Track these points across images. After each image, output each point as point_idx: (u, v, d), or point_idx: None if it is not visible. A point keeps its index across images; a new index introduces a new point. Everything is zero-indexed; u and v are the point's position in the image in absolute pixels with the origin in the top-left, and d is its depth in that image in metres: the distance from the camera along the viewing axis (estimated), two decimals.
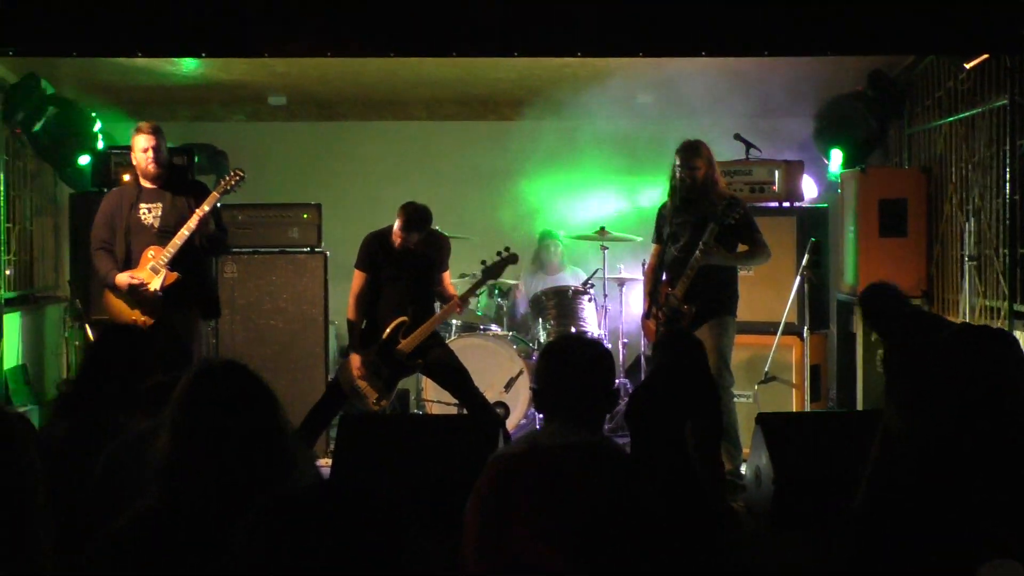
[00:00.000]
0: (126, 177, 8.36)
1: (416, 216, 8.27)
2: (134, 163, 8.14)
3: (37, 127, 9.93)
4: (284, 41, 7.96)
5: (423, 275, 8.45)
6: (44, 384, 10.37)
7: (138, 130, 8.08)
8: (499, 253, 8.70)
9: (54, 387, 10.25)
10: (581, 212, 11.16)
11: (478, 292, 10.14)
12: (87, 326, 8.76)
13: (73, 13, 7.43)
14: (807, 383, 9.11)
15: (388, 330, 8.35)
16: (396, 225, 8.27)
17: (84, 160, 10.09)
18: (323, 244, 9.91)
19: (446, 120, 12.13)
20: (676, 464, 4.64)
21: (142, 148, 8.05)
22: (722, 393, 7.83)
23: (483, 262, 8.77)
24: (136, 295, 7.92)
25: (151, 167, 8.05)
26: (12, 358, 9.76)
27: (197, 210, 7.93)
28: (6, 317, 9.47)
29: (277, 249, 9.84)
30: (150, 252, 7.96)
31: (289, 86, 11.26)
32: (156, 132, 8.09)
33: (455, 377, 8.44)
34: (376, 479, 6.66)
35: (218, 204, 8.13)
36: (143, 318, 7.93)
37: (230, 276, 9.68)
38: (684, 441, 5.08)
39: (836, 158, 10.44)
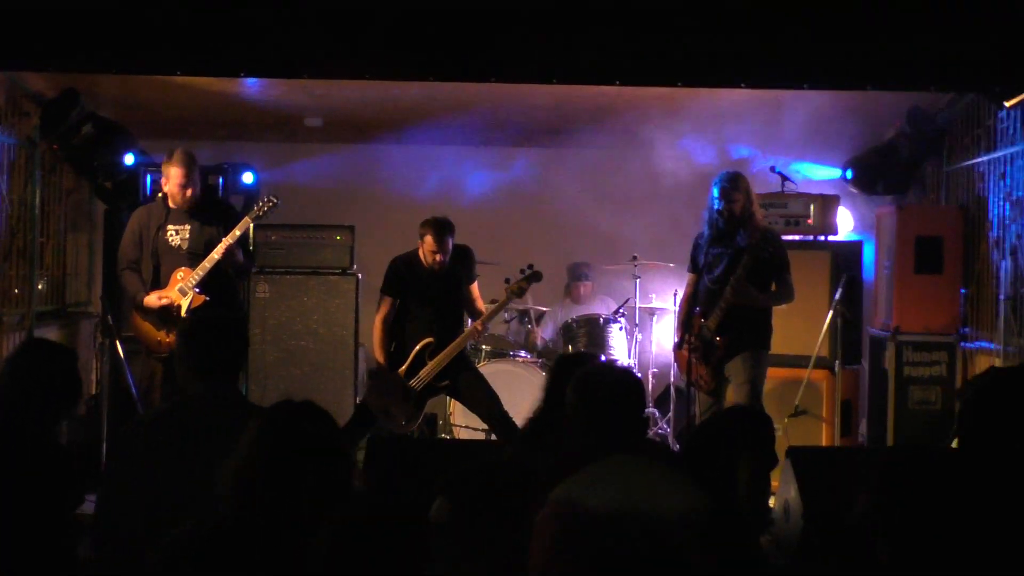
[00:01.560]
0: (160, 195, 8.37)
1: (444, 222, 8.30)
2: (165, 188, 8.14)
3: (74, 143, 9.96)
4: (323, 63, 7.97)
5: (451, 294, 8.44)
6: None
7: (172, 162, 8.06)
8: (522, 271, 8.70)
9: (84, 403, 10.29)
10: (615, 240, 11.12)
11: (505, 315, 10.14)
12: (117, 342, 8.76)
13: (114, 29, 7.45)
14: (837, 418, 9.05)
15: (414, 352, 8.34)
16: (428, 243, 8.25)
17: (128, 161, 10.05)
18: (355, 266, 9.92)
19: (482, 146, 12.13)
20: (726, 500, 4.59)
21: (178, 183, 8.03)
22: None
23: (507, 280, 8.76)
24: (165, 316, 7.93)
25: (186, 202, 8.07)
26: None
27: (227, 237, 7.94)
28: (38, 331, 9.49)
29: (309, 270, 9.85)
30: (179, 273, 7.97)
31: (326, 108, 11.27)
32: (189, 163, 8.06)
33: (485, 401, 8.42)
34: (403, 502, 6.64)
35: (249, 229, 8.15)
36: (170, 339, 7.93)
37: (262, 296, 9.70)
38: (736, 478, 5.01)
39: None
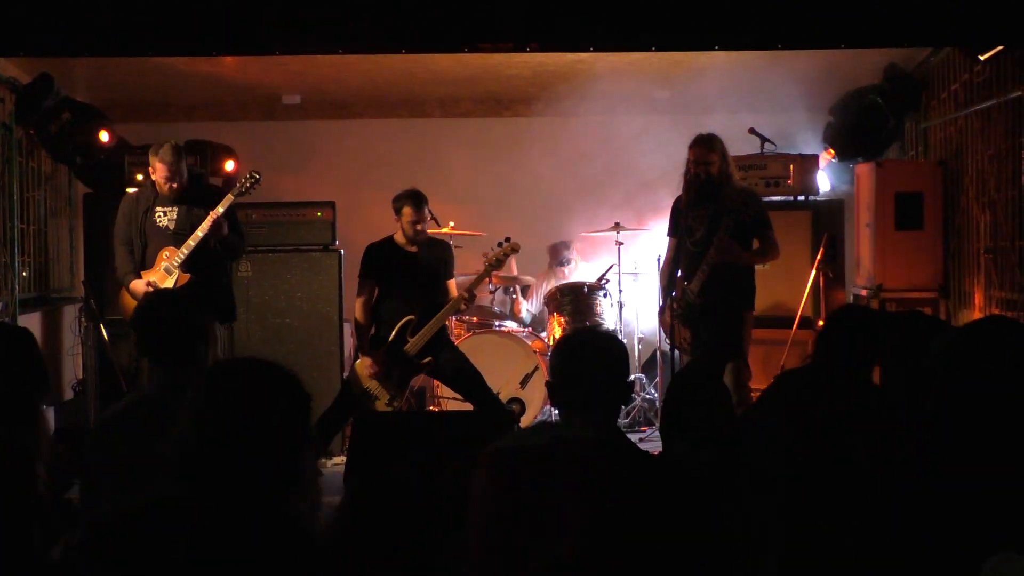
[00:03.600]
0: (139, 176, 8.34)
1: (418, 193, 8.35)
2: (152, 176, 8.13)
3: (52, 129, 9.92)
4: (296, 39, 7.94)
5: (429, 279, 8.43)
6: (61, 384, 10.37)
7: (158, 156, 8.04)
8: (500, 244, 8.70)
9: (70, 387, 10.30)
10: (596, 208, 11.12)
11: (490, 286, 10.15)
12: (101, 326, 8.76)
13: (84, 13, 7.41)
14: None
15: (395, 330, 8.34)
16: (408, 214, 8.26)
17: (105, 145, 10.00)
18: (337, 242, 9.91)
19: (461, 118, 12.13)
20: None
21: (162, 175, 8.02)
22: (740, 388, 7.85)
23: (484, 254, 8.76)
24: None
25: (166, 191, 8.07)
26: None
27: (211, 212, 7.94)
28: (23, 318, 9.48)
29: (291, 248, 9.84)
30: (164, 253, 7.98)
31: (304, 85, 11.26)
32: (175, 158, 8.03)
33: (465, 380, 8.44)
34: (390, 476, 6.65)
35: (233, 206, 8.14)
36: None
37: (245, 275, 9.69)
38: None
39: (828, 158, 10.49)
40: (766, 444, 4.67)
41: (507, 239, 8.73)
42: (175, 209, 8.08)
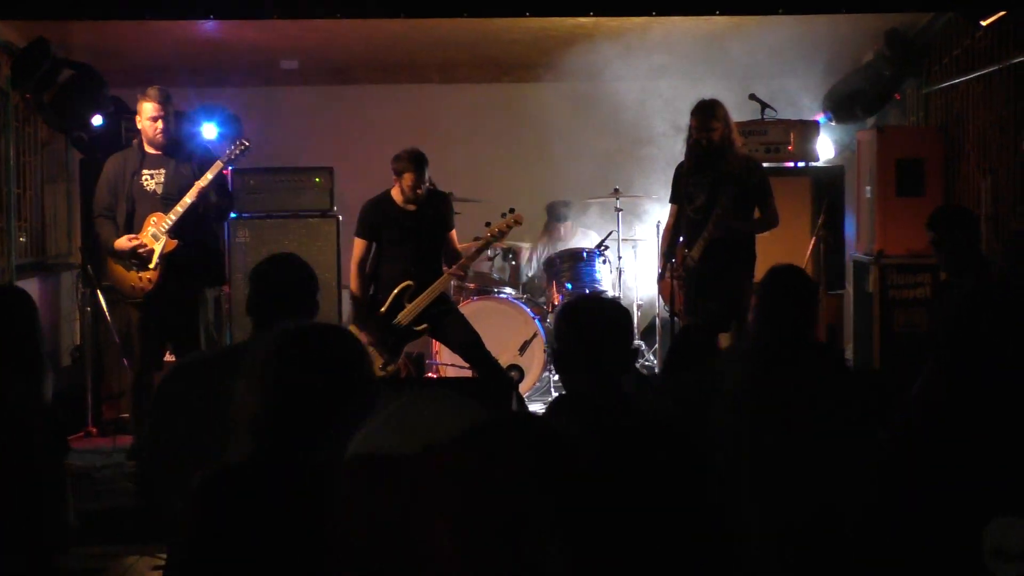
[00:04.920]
0: (136, 142, 8.31)
1: (420, 155, 8.22)
2: (140, 128, 8.11)
3: (47, 93, 9.86)
4: (293, 3, 7.89)
5: (427, 237, 8.35)
6: (59, 351, 10.36)
7: (146, 96, 8.03)
8: (503, 215, 8.64)
9: (68, 353, 10.28)
10: (596, 174, 11.08)
11: (488, 252, 10.11)
12: (99, 292, 8.74)
13: None
14: None
15: (392, 295, 8.29)
16: (408, 178, 8.16)
17: (96, 120, 9.95)
18: (336, 208, 9.88)
19: (460, 83, 12.07)
20: None
21: (151, 116, 8.02)
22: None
23: (487, 224, 8.71)
24: (137, 259, 7.92)
25: (159, 136, 8.04)
26: None
27: (199, 181, 7.92)
28: (20, 284, 9.44)
29: (289, 213, 9.82)
30: (153, 218, 7.98)
31: (302, 50, 11.19)
32: (165, 99, 8.04)
33: (465, 342, 8.39)
34: (388, 443, 6.63)
35: (224, 172, 8.11)
36: (144, 283, 7.94)
37: (242, 240, 9.66)
38: None
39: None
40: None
41: (511, 210, 8.66)
42: (162, 171, 8.07)
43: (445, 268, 8.40)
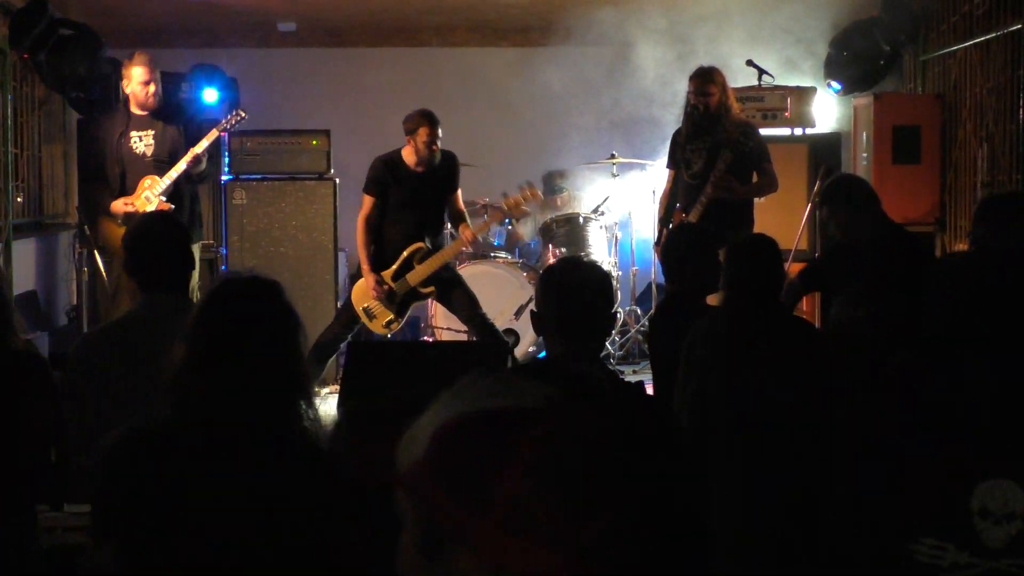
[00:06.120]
0: (121, 101, 8.38)
1: (429, 112, 8.21)
2: (129, 93, 8.16)
3: (44, 52, 9.84)
4: None
5: (434, 198, 8.37)
6: (55, 310, 10.37)
7: (134, 61, 8.08)
8: (520, 188, 8.65)
9: (64, 313, 10.30)
10: (593, 138, 11.08)
11: (484, 216, 10.11)
12: (95, 252, 8.75)
13: None
14: (818, 310, 9.07)
15: (404, 255, 8.30)
16: (423, 134, 8.09)
17: (101, 67, 9.91)
18: (332, 171, 9.88)
19: (457, 47, 12.05)
20: None
21: (142, 80, 8.10)
22: None
23: (504, 194, 8.70)
24: (130, 221, 7.98)
25: (151, 100, 8.10)
26: (23, 285, 9.75)
27: (194, 147, 7.99)
28: (17, 244, 9.46)
29: (286, 176, 9.82)
30: (147, 181, 8.07)
31: (299, 12, 11.17)
32: (150, 61, 8.12)
33: (465, 303, 8.41)
34: (385, 405, 6.65)
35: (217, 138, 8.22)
36: None
37: (239, 203, 9.67)
38: None
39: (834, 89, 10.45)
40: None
41: (529, 184, 8.68)
42: (150, 133, 8.15)
43: (461, 232, 8.40)
